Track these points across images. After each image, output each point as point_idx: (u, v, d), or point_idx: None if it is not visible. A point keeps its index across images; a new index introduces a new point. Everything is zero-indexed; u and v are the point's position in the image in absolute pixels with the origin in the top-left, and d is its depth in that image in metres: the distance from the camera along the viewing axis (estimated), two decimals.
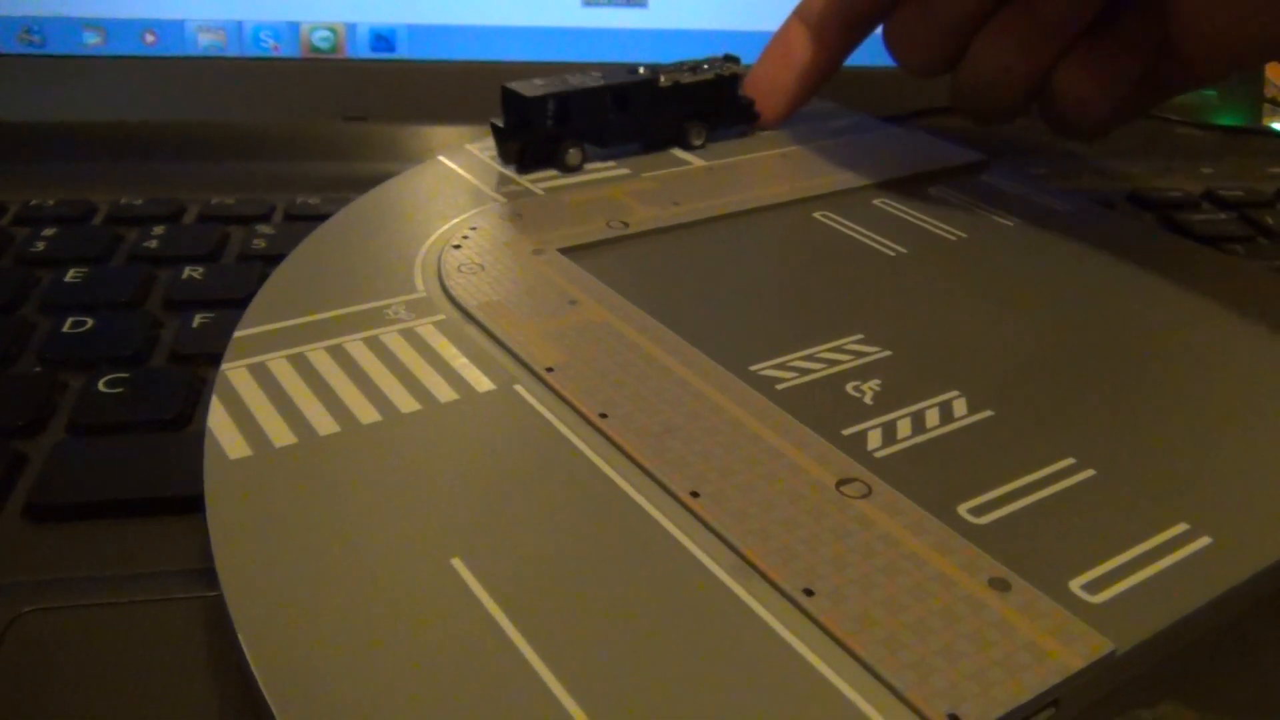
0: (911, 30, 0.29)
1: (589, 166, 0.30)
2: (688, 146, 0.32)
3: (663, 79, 0.31)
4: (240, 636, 0.14)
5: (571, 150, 0.30)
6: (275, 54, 0.40)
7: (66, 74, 0.38)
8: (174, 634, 0.16)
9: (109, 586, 0.17)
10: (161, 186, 0.33)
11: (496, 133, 0.30)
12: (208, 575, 0.17)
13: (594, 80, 0.30)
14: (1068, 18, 0.26)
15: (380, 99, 0.40)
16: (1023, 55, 0.27)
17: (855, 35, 0.32)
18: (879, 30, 0.32)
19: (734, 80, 0.32)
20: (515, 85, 0.29)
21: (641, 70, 0.31)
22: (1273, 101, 0.45)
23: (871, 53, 0.34)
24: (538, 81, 0.29)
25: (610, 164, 0.31)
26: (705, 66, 0.32)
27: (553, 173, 0.30)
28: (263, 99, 0.39)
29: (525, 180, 0.29)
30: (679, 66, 0.32)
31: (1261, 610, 0.17)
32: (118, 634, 0.16)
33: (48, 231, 0.29)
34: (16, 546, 0.18)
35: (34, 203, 0.31)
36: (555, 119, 0.29)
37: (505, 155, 0.30)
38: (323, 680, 0.14)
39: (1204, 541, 0.17)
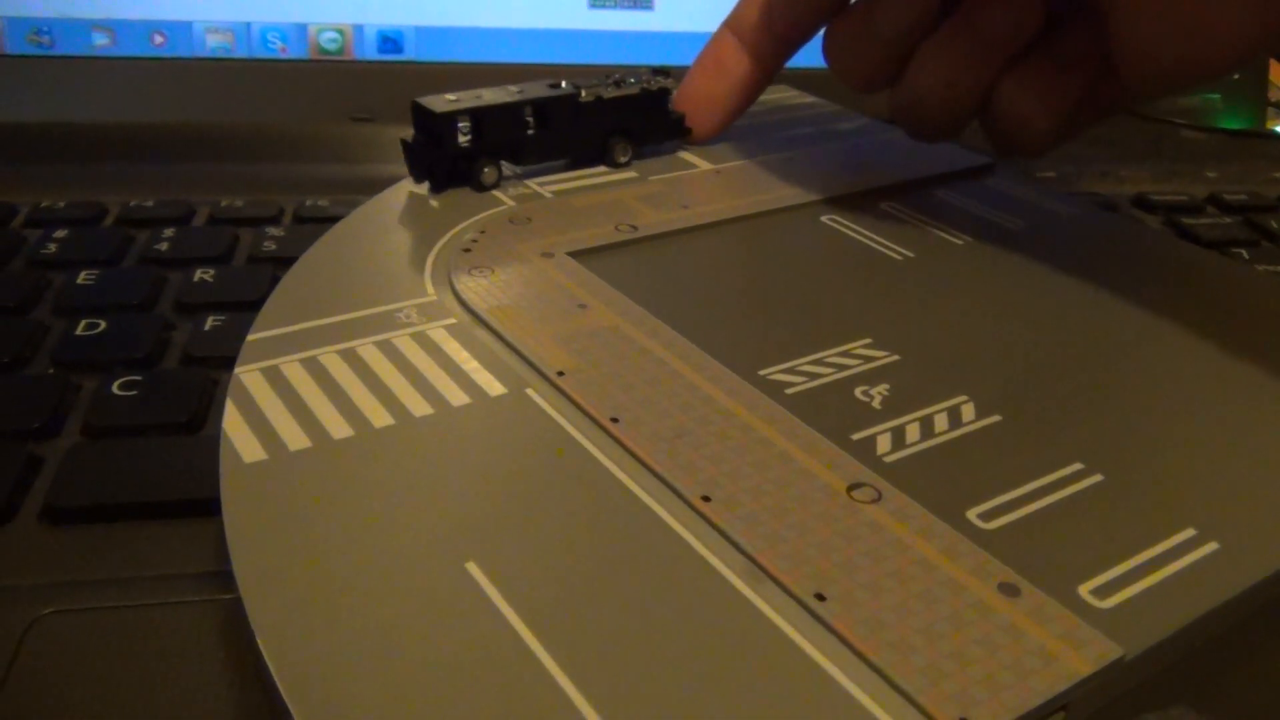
0: (851, 43, 0.28)
1: (590, 171, 0.31)
2: (612, 164, 0.31)
3: (584, 93, 0.29)
4: (258, 639, 0.14)
5: (487, 169, 0.28)
6: (283, 55, 0.40)
7: (75, 75, 0.39)
8: (191, 636, 0.16)
9: (126, 589, 0.17)
10: (170, 188, 0.33)
11: (406, 150, 0.28)
12: (223, 578, 0.17)
13: (510, 95, 0.28)
14: (1009, 33, 0.26)
15: (388, 100, 0.40)
16: (964, 71, 0.27)
17: (789, 48, 0.31)
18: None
19: (662, 94, 0.31)
20: (425, 100, 0.28)
21: (564, 84, 0.30)
22: (1277, 105, 0.45)
23: None
24: (450, 96, 0.28)
25: (614, 169, 0.31)
26: (632, 80, 0.31)
27: (562, 176, 0.30)
28: (270, 100, 0.39)
29: (534, 184, 0.30)
30: (604, 80, 0.31)
31: (1270, 614, 0.17)
32: (135, 636, 0.16)
33: (59, 234, 0.29)
34: (34, 549, 0.18)
35: (45, 205, 0.31)
36: (469, 136, 0.28)
37: (416, 174, 0.28)
38: (340, 683, 0.14)
39: (1212, 547, 0.17)
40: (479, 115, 0.28)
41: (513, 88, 0.29)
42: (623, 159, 0.31)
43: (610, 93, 0.30)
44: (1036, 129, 0.27)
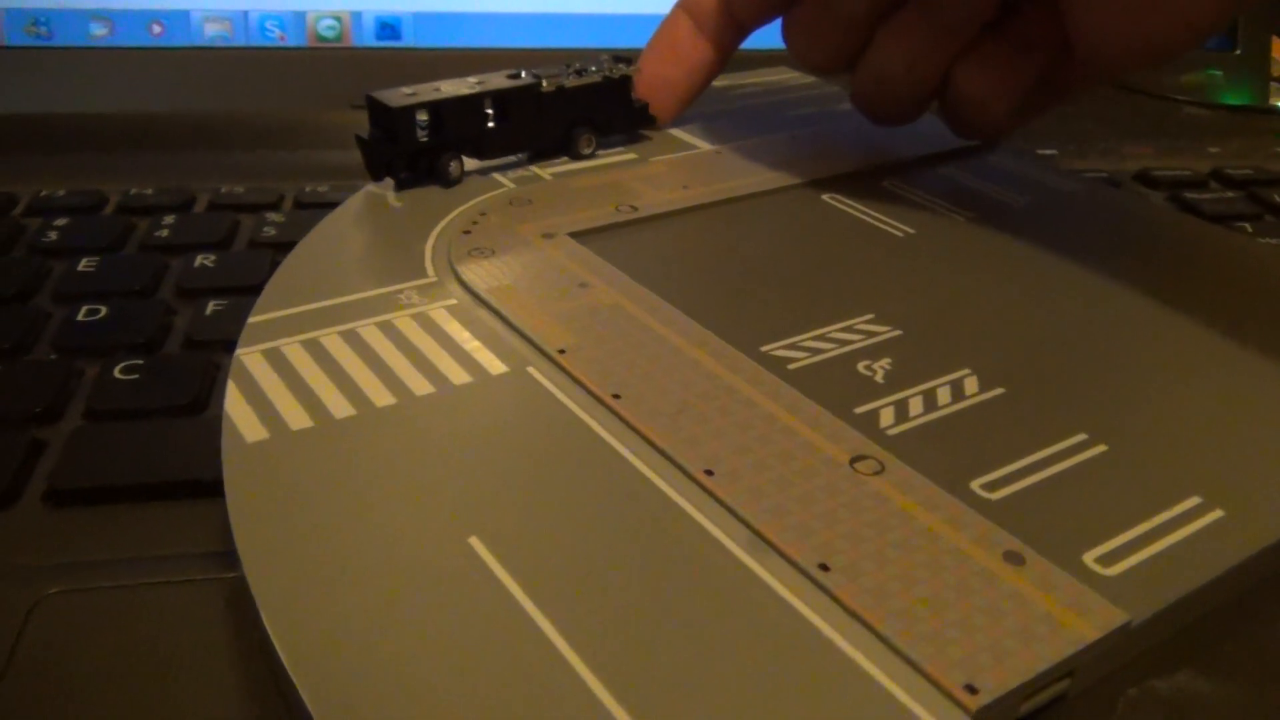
0: (811, 26, 0.28)
1: (598, 151, 0.30)
2: (576, 155, 0.30)
3: (545, 83, 0.28)
4: (263, 615, 0.14)
5: (453, 163, 0.27)
6: (281, 43, 0.40)
7: (73, 65, 0.38)
8: (195, 615, 0.16)
9: (130, 569, 0.17)
10: (170, 176, 0.33)
11: (363, 148, 0.27)
12: (227, 557, 0.17)
13: (469, 87, 0.27)
14: (968, 15, 0.25)
15: (386, 87, 0.40)
16: (924, 53, 0.26)
17: (746, 32, 0.31)
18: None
19: (624, 82, 0.30)
20: (381, 95, 0.26)
21: (524, 75, 0.29)
22: (1279, 81, 0.45)
23: None
24: (406, 90, 0.27)
25: (618, 149, 0.31)
26: (593, 68, 0.30)
27: (563, 158, 0.30)
28: (269, 88, 0.39)
29: (535, 166, 0.29)
30: (565, 69, 0.30)
31: (1274, 581, 0.17)
32: (140, 615, 0.16)
33: (59, 222, 0.29)
34: (38, 531, 0.18)
35: (44, 193, 0.31)
36: (428, 130, 0.27)
37: (374, 172, 0.27)
38: (345, 657, 0.14)
39: (1216, 514, 0.17)
40: (438, 108, 0.27)
41: (472, 79, 0.28)
42: (586, 150, 0.30)
43: (572, 82, 0.29)
44: (994, 111, 0.27)
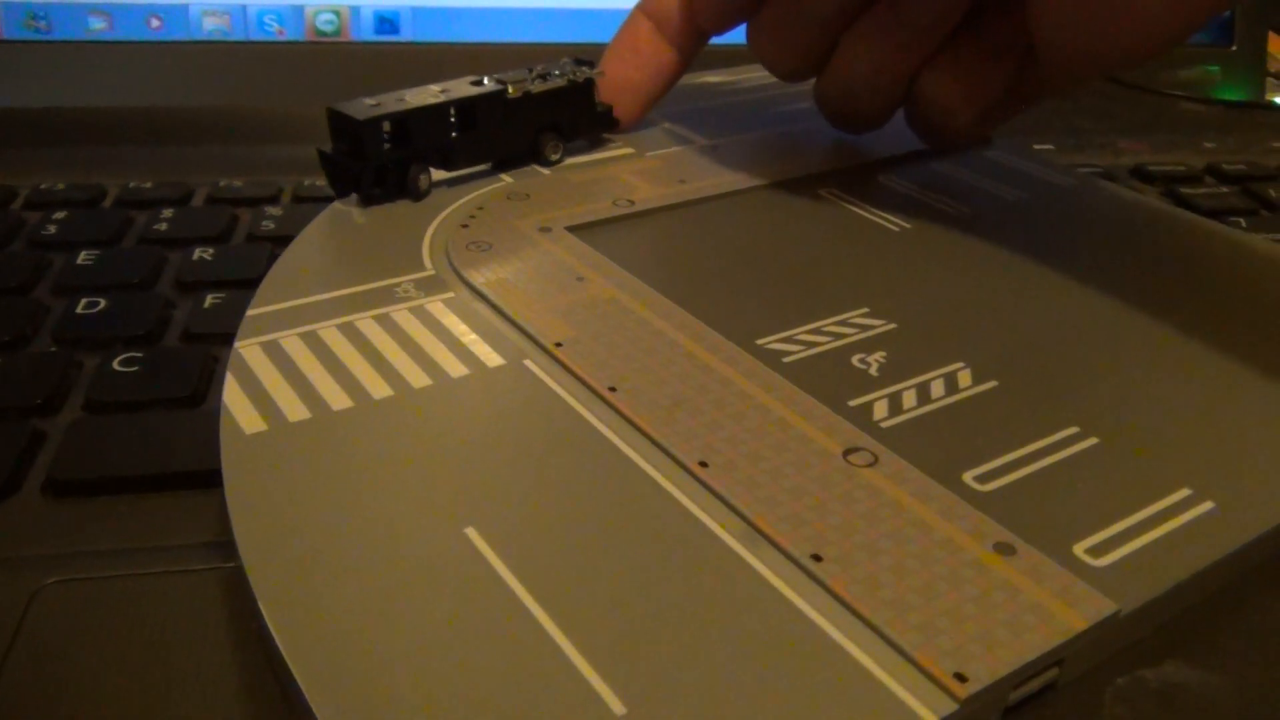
0: (777, 30, 0.27)
1: (587, 148, 0.31)
2: (544, 162, 0.29)
3: (511, 89, 0.27)
4: (261, 604, 0.14)
5: (421, 175, 0.26)
6: (279, 38, 0.40)
7: (72, 59, 0.39)
8: (194, 604, 0.16)
9: (128, 559, 0.17)
10: (169, 170, 0.33)
11: (325, 163, 0.26)
12: (225, 547, 0.17)
13: (434, 95, 0.26)
14: (936, 19, 0.25)
15: (385, 82, 0.40)
16: (892, 57, 0.26)
17: (706, 37, 0.30)
18: None
19: (588, 85, 0.29)
20: (343, 107, 0.25)
21: (487, 81, 0.28)
22: (1276, 76, 0.45)
23: None
24: (369, 101, 0.26)
25: (616, 142, 0.31)
26: (556, 72, 0.29)
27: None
28: (267, 83, 0.39)
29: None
30: (526, 74, 0.29)
31: (1263, 573, 0.17)
32: (138, 604, 0.16)
33: (58, 215, 0.29)
34: (37, 521, 0.18)
35: (44, 187, 0.31)
36: (393, 142, 0.26)
37: (338, 188, 0.26)
38: (342, 646, 0.14)
39: (1206, 506, 0.17)
40: (404, 119, 0.26)
41: (434, 88, 0.27)
42: (554, 156, 0.29)
43: (537, 87, 0.28)
44: (961, 118, 0.27)
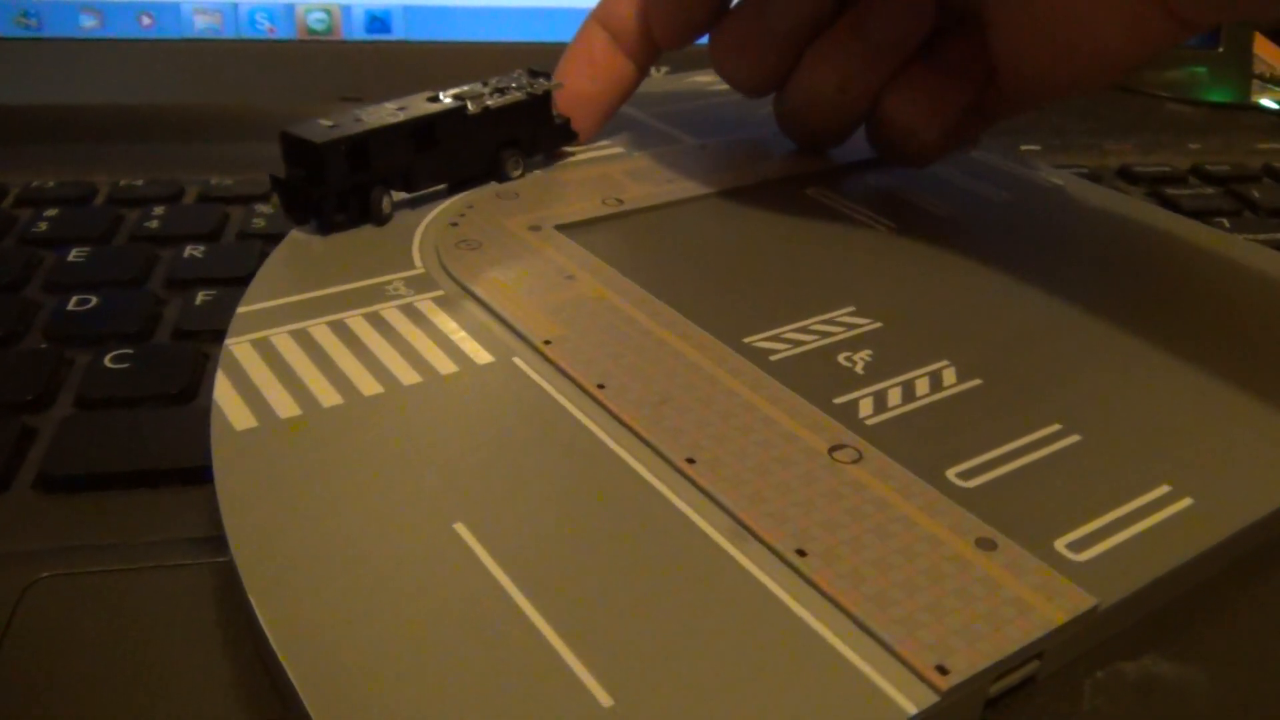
0: (739, 44, 0.27)
1: (576, 148, 0.31)
2: (504, 178, 0.28)
3: (470, 105, 0.26)
4: (251, 597, 0.15)
5: (384, 198, 0.25)
6: (271, 36, 0.40)
7: (63, 57, 0.39)
8: (185, 598, 0.16)
9: (120, 554, 0.17)
10: (160, 168, 0.33)
11: (280, 190, 0.25)
12: (215, 542, 0.17)
13: (392, 114, 0.25)
14: (900, 36, 0.25)
15: (376, 80, 0.40)
16: (856, 73, 0.26)
17: (662, 51, 0.29)
18: None
19: (546, 99, 0.28)
20: (299, 130, 0.24)
21: (443, 97, 0.26)
22: (1261, 78, 0.45)
23: None
24: (325, 122, 0.24)
25: (604, 143, 0.31)
26: (513, 85, 0.28)
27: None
28: (259, 81, 0.39)
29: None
30: (482, 87, 0.27)
31: (1241, 568, 0.17)
32: (130, 599, 0.16)
33: (49, 212, 0.29)
34: (29, 516, 0.18)
35: (35, 184, 0.31)
36: (353, 165, 0.24)
37: (295, 216, 0.25)
38: (332, 638, 0.14)
39: (1185, 503, 0.17)
40: (364, 141, 0.24)
41: (391, 105, 0.26)
42: (515, 172, 0.28)
43: (496, 102, 0.27)
44: (923, 138, 0.27)
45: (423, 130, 0.26)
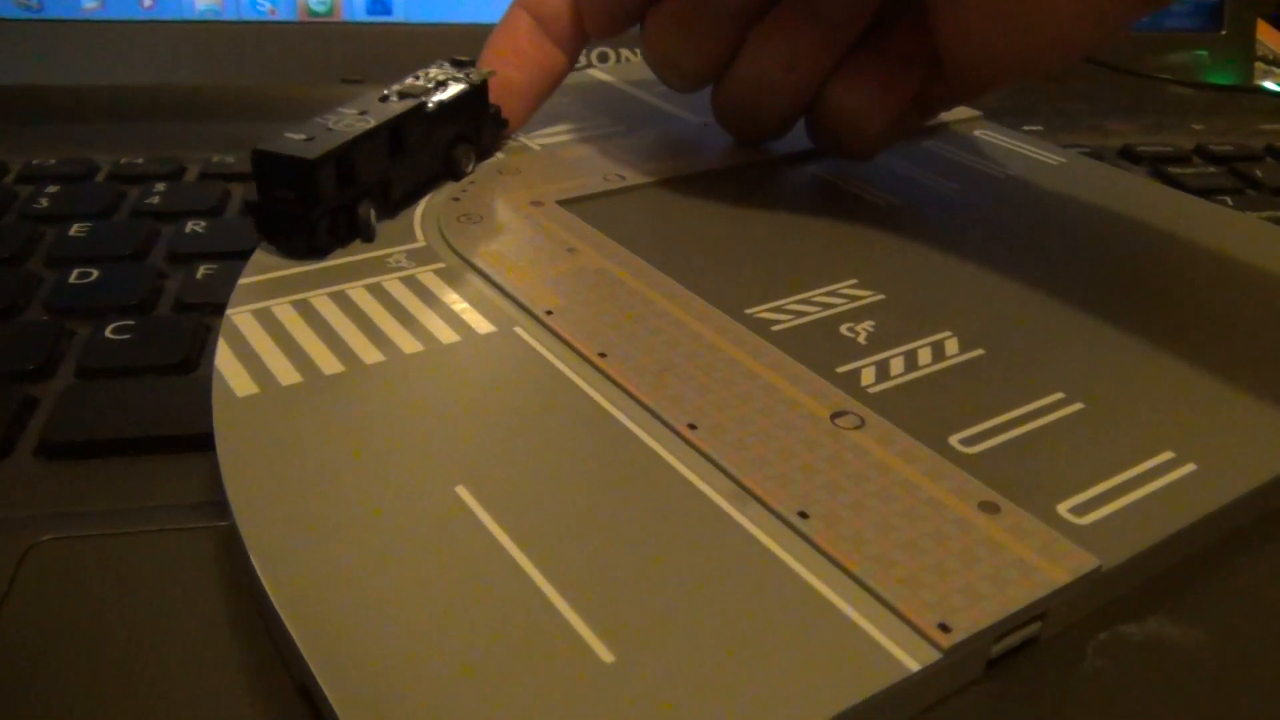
0: (679, 28, 0.25)
1: (577, 124, 0.31)
2: (459, 175, 0.27)
3: (430, 103, 0.25)
4: (253, 557, 0.15)
5: (371, 210, 0.23)
6: (272, 17, 0.40)
7: (65, 38, 0.38)
8: (186, 562, 0.16)
9: (120, 518, 0.17)
10: (162, 147, 0.33)
11: (258, 215, 0.22)
12: (215, 507, 0.17)
13: (360, 120, 0.23)
14: (847, 15, 0.24)
15: (377, 61, 0.40)
16: (804, 54, 0.24)
17: (590, 39, 0.28)
18: None
19: (484, 88, 0.27)
20: (276, 146, 0.22)
21: (392, 96, 0.25)
22: (1264, 60, 0.45)
23: None
24: (295, 136, 0.22)
25: (606, 120, 0.31)
26: (441, 77, 0.26)
27: (557, 128, 0.30)
28: (260, 62, 0.39)
29: (523, 135, 0.30)
30: (415, 81, 0.26)
31: (1244, 533, 0.17)
32: (131, 562, 0.16)
33: (51, 189, 0.29)
34: (30, 483, 0.18)
35: (36, 162, 0.31)
36: (340, 180, 0.22)
37: (286, 243, 0.22)
38: (334, 600, 0.14)
39: (1189, 468, 0.17)
40: (350, 152, 0.22)
41: (349, 110, 0.24)
42: (469, 168, 0.27)
43: (447, 96, 0.25)
44: (869, 128, 0.26)
45: (395, 134, 0.24)
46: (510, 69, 0.27)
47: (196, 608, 0.16)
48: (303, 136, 0.22)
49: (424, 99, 0.25)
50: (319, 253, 0.23)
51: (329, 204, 0.22)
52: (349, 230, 0.23)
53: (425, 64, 0.27)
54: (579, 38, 0.28)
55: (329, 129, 0.23)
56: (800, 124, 0.28)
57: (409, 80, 0.26)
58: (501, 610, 0.14)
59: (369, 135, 0.23)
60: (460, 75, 0.26)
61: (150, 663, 0.15)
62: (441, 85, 0.26)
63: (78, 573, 0.16)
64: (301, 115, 0.36)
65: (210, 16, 0.40)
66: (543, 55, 0.28)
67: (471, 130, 0.27)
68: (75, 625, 0.15)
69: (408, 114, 0.24)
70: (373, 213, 0.24)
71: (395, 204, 0.25)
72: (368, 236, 0.23)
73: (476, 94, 0.27)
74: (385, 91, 0.25)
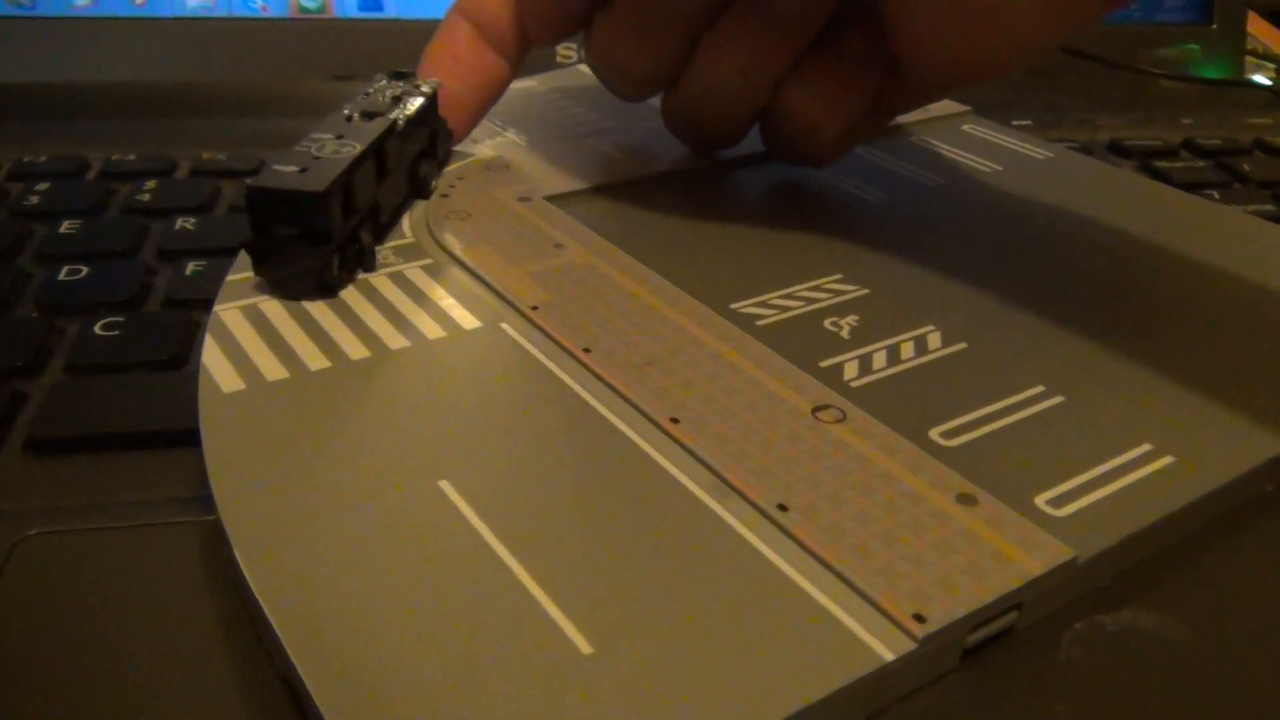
0: (629, 31, 0.24)
1: (568, 121, 0.31)
2: (426, 194, 0.25)
3: (400, 121, 0.23)
4: (236, 551, 0.15)
5: (370, 237, 0.22)
6: (263, 14, 0.40)
7: (56, 35, 0.39)
8: (171, 555, 0.16)
9: (108, 512, 0.17)
10: (152, 144, 0.33)
11: (260, 258, 0.21)
12: (202, 501, 0.18)
13: (342, 143, 0.22)
14: (805, 11, 0.23)
15: (369, 58, 0.40)
16: (761, 55, 0.24)
17: (533, 46, 0.27)
18: None
19: (435, 99, 0.26)
20: (276, 182, 0.20)
21: (350, 115, 0.23)
22: (1254, 54, 0.45)
23: None
24: (286, 167, 0.21)
25: (594, 117, 0.31)
26: (396, 92, 0.25)
27: (546, 124, 0.30)
28: (252, 59, 0.39)
29: (510, 133, 0.30)
30: (371, 100, 0.24)
31: (1221, 525, 0.17)
32: (118, 555, 0.16)
33: (41, 186, 0.29)
34: (17, 477, 0.18)
35: (26, 159, 0.31)
36: (344, 212, 0.21)
37: (292, 287, 0.21)
38: (316, 592, 0.14)
39: (1166, 460, 0.18)
40: (350, 179, 0.21)
41: (325, 136, 0.22)
42: (435, 183, 0.26)
43: (412, 111, 0.24)
44: (825, 133, 0.25)
45: (379, 156, 0.23)
46: (450, 79, 0.26)
47: (182, 601, 0.16)
48: (295, 167, 0.21)
49: (394, 117, 0.23)
50: (330, 291, 0.21)
51: (339, 238, 0.21)
52: (355, 262, 0.22)
53: (366, 79, 0.26)
54: (521, 45, 0.27)
55: (316, 156, 0.21)
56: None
57: (361, 98, 0.25)
58: (482, 602, 0.14)
59: (360, 159, 0.21)
60: (412, 88, 0.25)
61: (135, 655, 0.15)
62: (398, 101, 0.24)
63: (64, 566, 0.16)
64: (294, 110, 0.37)
65: (202, 13, 0.40)
66: (484, 64, 0.26)
67: (430, 145, 0.26)
68: (62, 618, 0.15)
69: (385, 134, 0.23)
70: (373, 240, 0.23)
71: (383, 228, 0.24)
72: (370, 266, 0.22)
73: (432, 107, 0.26)
74: (346, 111, 0.24)
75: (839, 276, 0.23)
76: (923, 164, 0.29)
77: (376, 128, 0.23)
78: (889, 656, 0.13)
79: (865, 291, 0.23)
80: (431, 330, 0.20)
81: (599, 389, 0.19)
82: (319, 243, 0.20)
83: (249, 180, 0.20)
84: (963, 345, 0.21)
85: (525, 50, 0.27)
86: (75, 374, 0.21)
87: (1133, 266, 0.24)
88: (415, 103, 0.24)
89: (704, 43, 0.24)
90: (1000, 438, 0.18)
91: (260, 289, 0.21)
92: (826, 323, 0.21)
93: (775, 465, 0.17)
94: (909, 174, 0.29)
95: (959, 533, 0.15)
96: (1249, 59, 0.45)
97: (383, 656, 0.13)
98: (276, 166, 0.21)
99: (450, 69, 0.26)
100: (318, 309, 0.21)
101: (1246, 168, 0.33)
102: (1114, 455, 0.18)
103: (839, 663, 0.13)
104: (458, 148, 0.28)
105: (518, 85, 0.34)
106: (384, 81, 0.25)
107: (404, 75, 0.26)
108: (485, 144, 0.29)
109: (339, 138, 0.22)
